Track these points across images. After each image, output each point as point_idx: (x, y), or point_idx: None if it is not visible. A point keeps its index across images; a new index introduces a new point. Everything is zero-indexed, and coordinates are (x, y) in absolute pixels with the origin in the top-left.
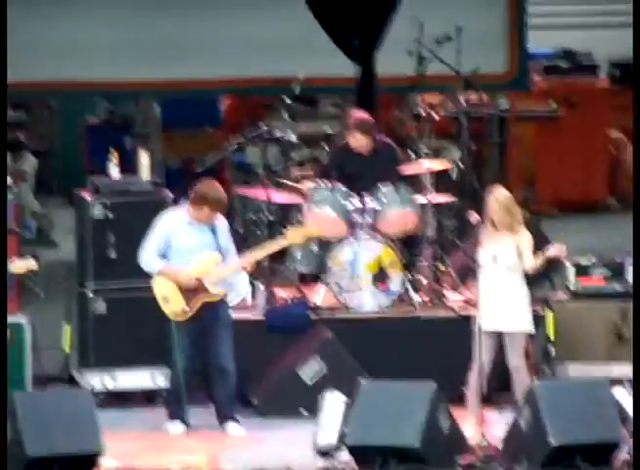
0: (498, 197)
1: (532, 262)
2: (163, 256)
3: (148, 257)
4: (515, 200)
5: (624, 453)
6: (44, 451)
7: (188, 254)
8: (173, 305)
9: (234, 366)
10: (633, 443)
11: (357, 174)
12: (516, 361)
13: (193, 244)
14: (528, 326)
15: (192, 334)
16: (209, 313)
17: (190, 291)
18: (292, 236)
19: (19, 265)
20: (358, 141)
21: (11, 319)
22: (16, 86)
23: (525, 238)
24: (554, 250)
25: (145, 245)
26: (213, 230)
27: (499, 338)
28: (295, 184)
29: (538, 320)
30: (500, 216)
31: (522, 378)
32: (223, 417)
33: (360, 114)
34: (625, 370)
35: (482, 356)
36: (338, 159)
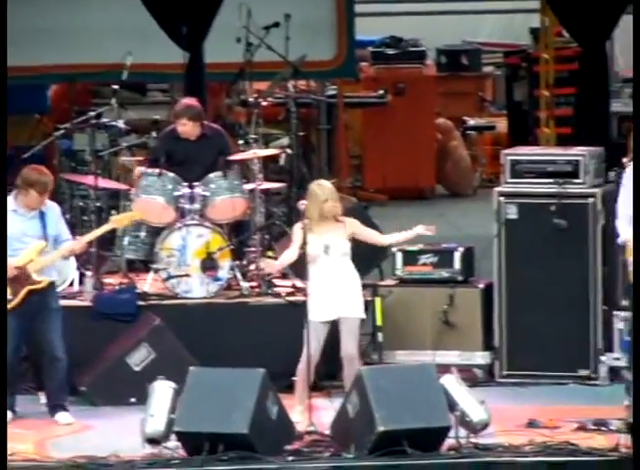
0: (326, 188)
1: (393, 238)
2: None
3: None
4: (342, 186)
5: (451, 439)
6: None
7: (14, 242)
8: None
9: (65, 354)
10: (632, 441)
11: (185, 161)
12: (351, 349)
13: (18, 232)
14: (362, 312)
15: (19, 322)
16: (37, 301)
17: (14, 280)
18: (116, 220)
19: None
20: (186, 128)
21: None
22: None
23: (356, 223)
24: (422, 228)
25: None
26: (42, 217)
27: (331, 326)
28: (122, 171)
29: (367, 307)
30: (330, 206)
31: (355, 366)
32: (53, 405)
33: (188, 100)
34: (451, 357)
35: (312, 346)
36: (165, 145)
